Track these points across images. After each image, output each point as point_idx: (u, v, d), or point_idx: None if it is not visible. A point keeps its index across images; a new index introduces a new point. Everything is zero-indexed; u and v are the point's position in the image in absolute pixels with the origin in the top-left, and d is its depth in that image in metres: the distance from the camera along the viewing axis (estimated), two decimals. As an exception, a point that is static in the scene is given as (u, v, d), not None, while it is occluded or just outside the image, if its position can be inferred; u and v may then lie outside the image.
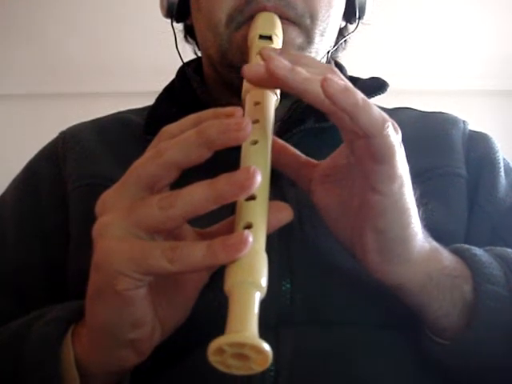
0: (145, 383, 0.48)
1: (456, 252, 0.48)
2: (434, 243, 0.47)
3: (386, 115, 0.39)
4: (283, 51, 0.44)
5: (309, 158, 0.47)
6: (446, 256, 0.47)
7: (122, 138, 0.65)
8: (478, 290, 0.46)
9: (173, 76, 0.71)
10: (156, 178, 0.38)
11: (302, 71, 0.39)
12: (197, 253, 0.35)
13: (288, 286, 0.50)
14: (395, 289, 0.46)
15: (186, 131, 0.38)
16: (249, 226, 0.37)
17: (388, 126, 0.39)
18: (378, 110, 0.39)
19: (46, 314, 0.46)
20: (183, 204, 0.36)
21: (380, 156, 0.39)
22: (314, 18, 0.60)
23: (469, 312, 0.46)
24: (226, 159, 0.41)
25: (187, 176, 0.38)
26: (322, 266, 0.52)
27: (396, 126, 0.42)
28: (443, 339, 0.47)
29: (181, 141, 0.37)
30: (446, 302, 0.46)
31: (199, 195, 0.36)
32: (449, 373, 0.49)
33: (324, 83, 0.37)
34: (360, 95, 0.39)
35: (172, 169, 0.38)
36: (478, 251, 0.49)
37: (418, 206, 0.44)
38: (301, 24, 0.59)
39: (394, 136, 0.40)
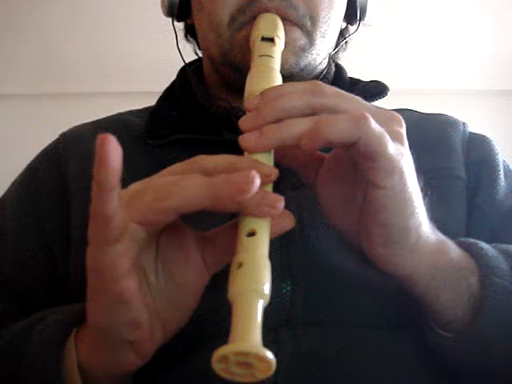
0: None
1: (463, 245, 0.48)
2: (441, 235, 0.47)
3: (358, 113, 0.38)
4: (263, 95, 0.42)
5: (317, 151, 0.46)
6: (452, 248, 0.47)
7: (122, 139, 0.64)
8: (485, 282, 0.45)
9: (173, 76, 0.71)
10: (153, 220, 0.38)
11: (270, 130, 0.39)
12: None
13: (288, 288, 0.50)
14: (403, 280, 0.46)
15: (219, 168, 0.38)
16: (252, 233, 0.37)
17: (365, 123, 0.38)
18: (346, 117, 0.38)
19: (48, 317, 0.46)
20: (178, 199, 0.36)
21: (370, 155, 0.39)
22: (314, 19, 0.60)
23: (475, 304, 0.46)
24: None
25: None
26: (322, 268, 0.52)
27: (394, 118, 0.42)
28: (449, 333, 0.47)
29: (188, 187, 0.37)
30: (453, 293, 0.46)
31: (196, 191, 0.36)
32: (452, 370, 0.49)
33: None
34: (310, 121, 0.39)
35: (170, 214, 0.37)
36: (484, 245, 0.49)
37: (423, 197, 0.44)
38: (302, 25, 0.59)
39: (379, 130, 0.38)
